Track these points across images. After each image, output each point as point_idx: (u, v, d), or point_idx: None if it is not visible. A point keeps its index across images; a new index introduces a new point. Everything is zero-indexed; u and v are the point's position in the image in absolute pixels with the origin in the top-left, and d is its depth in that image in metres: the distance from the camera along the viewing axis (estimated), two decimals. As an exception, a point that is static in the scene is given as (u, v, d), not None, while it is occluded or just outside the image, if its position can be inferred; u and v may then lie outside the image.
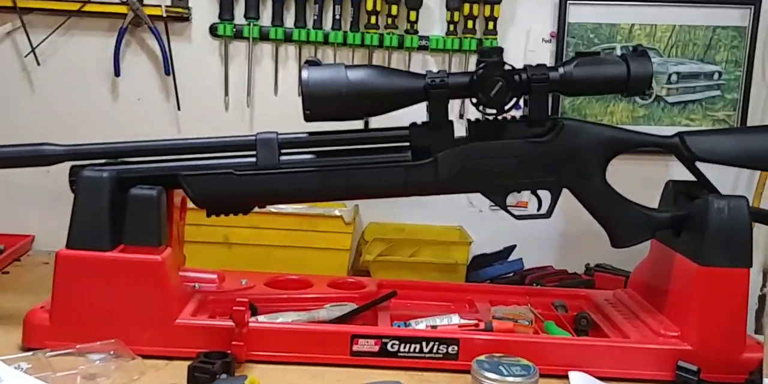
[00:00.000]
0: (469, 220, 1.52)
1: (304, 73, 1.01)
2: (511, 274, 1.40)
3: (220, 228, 1.34)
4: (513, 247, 1.46)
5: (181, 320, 1.00)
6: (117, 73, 1.46)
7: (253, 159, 1.04)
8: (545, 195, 1.08)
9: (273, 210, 1.35)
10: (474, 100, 1.04)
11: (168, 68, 1.46)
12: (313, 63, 1.04)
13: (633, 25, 1.47)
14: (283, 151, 1.06)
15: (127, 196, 1.00)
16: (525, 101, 1.07)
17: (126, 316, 0.98)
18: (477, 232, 1.48)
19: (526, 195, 1.25)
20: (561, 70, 1.04)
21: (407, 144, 1.07)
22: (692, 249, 1.02)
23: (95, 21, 1.46)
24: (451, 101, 1.06)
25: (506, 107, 1.04)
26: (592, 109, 1.49)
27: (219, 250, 1.37)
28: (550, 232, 1.52)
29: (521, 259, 1.43)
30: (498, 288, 1.28)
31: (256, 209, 1.10)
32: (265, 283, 1.20)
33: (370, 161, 1.05)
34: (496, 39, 1.48)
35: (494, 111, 1.04)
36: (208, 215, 1.07)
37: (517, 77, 1.03)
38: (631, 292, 1.22)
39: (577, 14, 1.47)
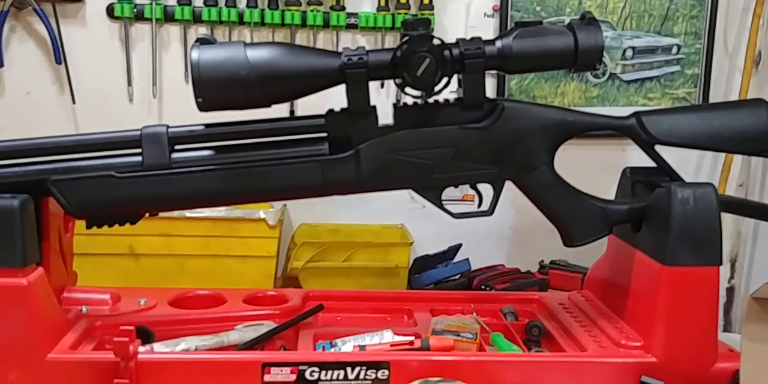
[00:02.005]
0: (410, 217, 1.39)
1: (194, 54, 0.86)
2: (458, 277, 1.26)
3: (124, 237, 1.19)
4: (458, 246, 1.32)
5: (55, 355, 0.84)
6: (0, 63, 1.29)
7: (139, 158, 0.89)
8: (486, 189, 0.94)
9: (187, 214, 1.19)
10: (398, 81, 0.89)
11: (59, 56, 1.31)
12: (206, 41, 0.88)
13: (583, -6, 1.34)
14: (176, 147, 0.90)
15: (-19, 208, 0.83)
16: (459, 81, 0.92)
17: (-15, 352, 0.81)
18: (420, 230, 1.35)
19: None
20: (498, 43, 0.90)
21: (324, 135, 0.92)
22: (654, 246, 0.90)
23: (-29, 4, 1.29)
24: (387, 84, 0.91)
25: (436, 88, 0.89)
26: (542, 90, 1.36)
27: (124, 262, 1.21)
28: (499, 226, 1.40)
29: (468, 259, 1.29)
30: (440, 295, 1.14)
31: (167, 214, 0.95)
32: (169, 302, 1.04)
33: (279, 156, 0.91)
34: (432, 14, 1.34)
35: (423, 93, 0.89)
36: (88, 226, 0.92)
37: (447, 53, 0.88)
38: (588, 295, 1.08)
39: (520, -15, 1.33)
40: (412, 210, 1.40)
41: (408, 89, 0.89)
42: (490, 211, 0.95)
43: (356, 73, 0.88)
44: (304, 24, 1.33)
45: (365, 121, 0.91)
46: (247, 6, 1.32)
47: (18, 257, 0.83)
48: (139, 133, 0.89)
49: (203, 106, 0.87)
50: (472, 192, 1.31)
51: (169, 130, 0.90)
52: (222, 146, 0.92)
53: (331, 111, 0.92)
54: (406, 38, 0.88)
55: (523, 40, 0.90)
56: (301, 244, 1.25)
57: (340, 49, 1.31)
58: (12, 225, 0.83)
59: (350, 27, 1.35)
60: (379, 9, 1.34)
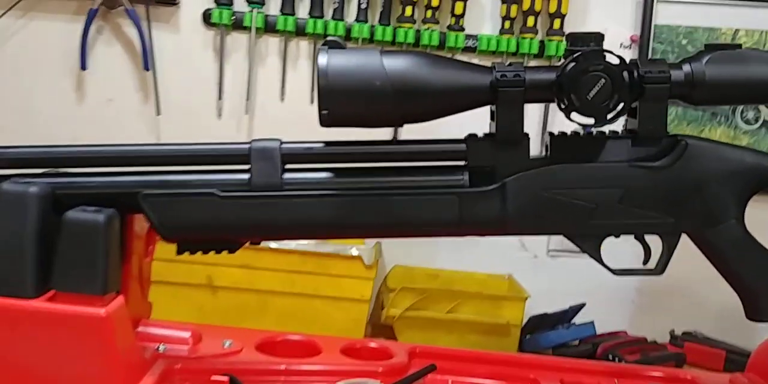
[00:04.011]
0: (519, 267, 1.24)
1: (322, 59, 0.72)
2: (577, 343, 1.08)
3: (203, 266, 1.06)
4: (581, 306, 1.15)
5: (128, 406, 0.68)
6: (83, 66, 1.22)
7: (246, 175, 0.75)
8: (653, 240, 0.78)
9: (272, 246, 1.06)
10: (563, 104, 0.74)
11: (147, 62, 1.21)
12: (335, 44, 0.74)
13: (737, 30, 1.20)
14: (287, 166, 0.76)
15: (62, 221, 0.69)
16: (631, 110, 0.77)
17: (48, 395, 0.67)
18: (529, 283, 1.19)
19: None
20: (686, 67, 0.74)
21: (463, 163, 0.77)
22: None
23: (59, 1, 1.22)
24: (526, 107, 0.76)
25: (609, 115, 0.73)
26: (682, 132, 1.19)
27: (200, 294, 1.09)
28: (622, 287, 1.22)
29: (593, 322, 1.12)
30: (570, 363, 0.95)
31: (248, 245, 0.80)
32: (256, 346, 0.89)
33: (409, 185, 0.76)
34: (561, 41, 1.21)
35: (592, 120, 0.74)
36: (180, 252, 0.77)
37: (626, 74, 0.73)
38: (755, 379, 0.89)
39: (665, 15, 1.22)
40: (520, 259, 1.24)
41: (574, 115, 0.74)
42: (659, 270, 0.78)
43: (511, 93, 0.73)
44: (416, 43, 1.21)
45: (515, 150, 0.76)
46: (356, 20, 1.20)
47: (99, 283, 0.69)
48: (247, 146, 0.76)
49: (327, 120, 0.73)
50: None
51: (282, 145, 0.77)
52: (341, 168, 0.78)
53: (472, 135, 0.78)
54: (577, 54, 0.74)
55: (719, 66, 0.74)
56: (399, 290, 1.09)
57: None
58: (95, 244, 0.69)
59: (468, 49, 1.23)
60: (502, 32, 1.22)
